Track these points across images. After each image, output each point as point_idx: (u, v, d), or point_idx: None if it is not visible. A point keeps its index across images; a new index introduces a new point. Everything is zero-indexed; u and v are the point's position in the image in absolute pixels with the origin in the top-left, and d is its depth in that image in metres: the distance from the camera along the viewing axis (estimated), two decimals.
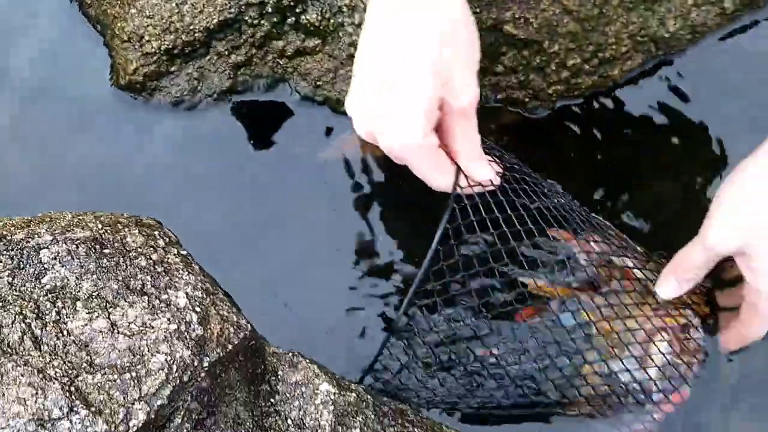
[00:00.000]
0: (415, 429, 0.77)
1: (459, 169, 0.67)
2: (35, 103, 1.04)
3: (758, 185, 0.67)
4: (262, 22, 0.95)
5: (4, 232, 0.81)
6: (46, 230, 0.81)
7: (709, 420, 0.84)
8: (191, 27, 0.95)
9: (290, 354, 0.79)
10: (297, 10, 0.94)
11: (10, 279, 0.76)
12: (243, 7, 0.94)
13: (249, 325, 0.76)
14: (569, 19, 0.91)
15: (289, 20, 0.95)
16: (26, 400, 0.64)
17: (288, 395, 0.76)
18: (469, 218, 0.67)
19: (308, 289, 0.94)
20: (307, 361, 0.78)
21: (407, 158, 0.65)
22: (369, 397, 0.77)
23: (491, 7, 0.90)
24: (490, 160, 0.69)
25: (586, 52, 0.93)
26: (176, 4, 0.94)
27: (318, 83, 0.98)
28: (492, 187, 0.69)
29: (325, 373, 0.77)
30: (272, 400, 0.76)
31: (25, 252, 0.78)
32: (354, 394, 0.76)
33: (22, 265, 0.77)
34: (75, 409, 0.64)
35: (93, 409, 0.64)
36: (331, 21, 0.94)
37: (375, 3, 0.65)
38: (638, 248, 0.84)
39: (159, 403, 0.66)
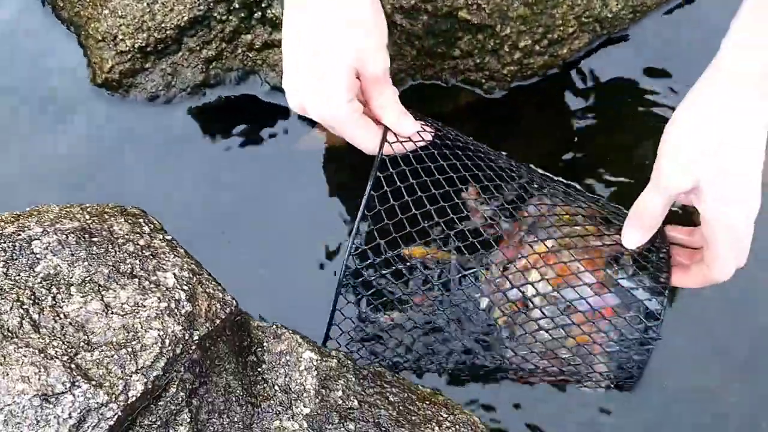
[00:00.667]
0: (393, 389, 0.83)
1: (386, 129, 0.75)
2: (12, 102, 1.08)
3: (697, 123, 0.71)
4: (230, 17, 1.00)
5: None
6: (36, 223, 0.85)
7: None
8: (162, 25, 1.00)
9: (274, 326, 0.85)
10: (263, 5, 0.99)
11: (5, 270, 0.80)
12: (211, 4, 0.99)
13: (234, 301, 0.81)
14: (519, 3, 0.97)
15: (256, 15, 1.00)
16: (29, 378, 0.69)
17: (274, 364, 0.82)
18: (399, 167, 0.74)
19: (287, 269, 0.99)
20: (290, 331, 0.84)
21: (338, 124, 0.73)
22: (349, 362, 0.83)
23: None
24: (422, 124, 0.77)
25: (536, 33, 1.00)
26: (147, 4, 0.99)
27: None
28: (421, 142, 0.76)
29: (307, 342, 0.83)
30: (259, 369, 0.82)
31: (17, 244, 0.83)
32: (335, 360, 0.82)
33: (15, 257, 0.81)
34: (77, 383, 0.69)
35: (94, 382, 0.70)
36: None
37: None
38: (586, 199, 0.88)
39: (155, 374, 0.72)
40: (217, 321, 0.79)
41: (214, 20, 1.00)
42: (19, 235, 0.85)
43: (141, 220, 0.88)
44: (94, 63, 1.04)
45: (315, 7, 0.72)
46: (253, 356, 0.83)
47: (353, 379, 0.82)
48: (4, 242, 0.83)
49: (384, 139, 0.75)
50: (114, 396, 0.69)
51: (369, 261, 0.77)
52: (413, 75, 1.04)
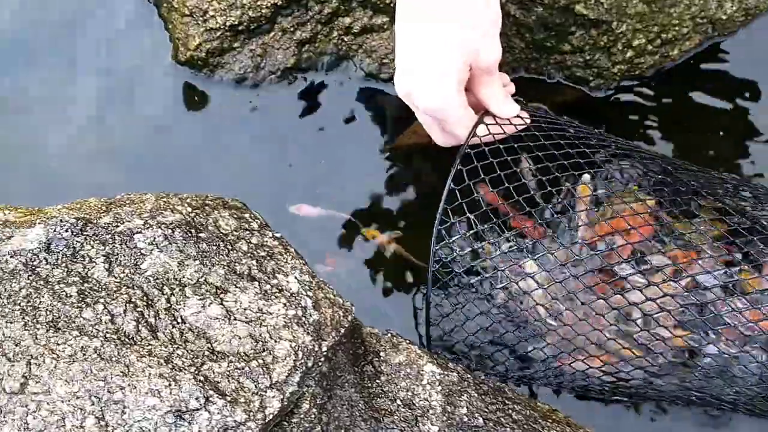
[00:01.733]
0: (516, 405, 0.79)
1: (477, 122, 0.78)
2: (83, 77, 1.01)
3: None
4: None
5: (88, 215, 0.79)
6: (134, 214, 0.79)
7: None
8: (258, 3, 0.93)
9: (389, 334, 0.80)
10: None
11: (107, 266, 0.74)
12: None
13: (353, 308, 0.76)
14: (638, 0, 0.92)
15: None
16: (160, 391, 0.64)
17: (393, 376, 0.77)
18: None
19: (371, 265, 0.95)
20: (407, 341, 0.79)
21: (443, 113, 0.76)
22: (469, 376, 0.79)
23: None
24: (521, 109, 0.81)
25: (651, 32, 0.95)
26: None
27: (384, 61, 0.97)
28: (521, 123, 0.80)
29: (427, 354, 0.78)
30: (378, 381, 0.77)
31: (117, 237, 0.76)
32: (455, 374, 0.78)
33: (116, 251, 0.75)
34: (211, 399, 0.64)
35: (228, 398, 0.64)
36: None
37: None
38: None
39: (291, 389, 0.66)
40: (342, 330, 0.73)
41: (313, 0, 0.93)
42: (117, 227, 0.78)
43: (246, 215, 0.82)
44: (178, 39, 0.97)
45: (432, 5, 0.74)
46: (369, 366, 0.78)
47: (475, 394, 0.78)
48: (102, 234, 0.77)
49: (473, 131, 0.77)
50: (251, 414, 0.64)
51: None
52: (517, 68, 0.99)
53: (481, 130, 0.78)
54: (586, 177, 0.88)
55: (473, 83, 0.79)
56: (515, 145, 0.79)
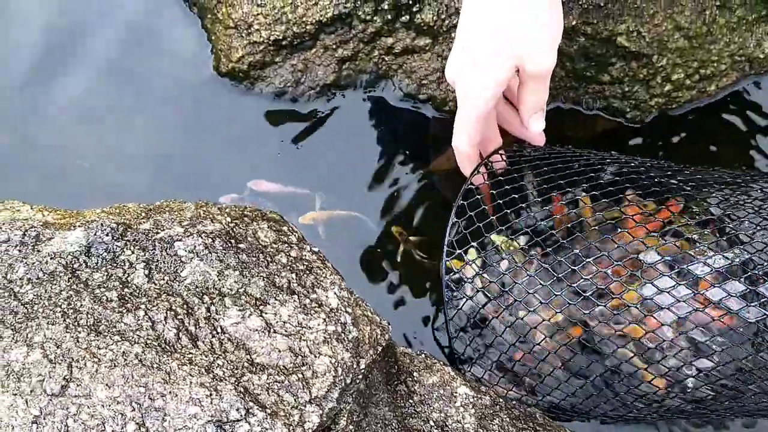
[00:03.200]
0: (544, 431, 0.79)
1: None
2: (121, 84, 1.01)
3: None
4: (375, 18, 0.94)
5: (127, 220, 0.79)
6: (174, 221, 0.79)
7: None
8: (303, 19, 0.94)
9: (423, 355, 0.80)
10: (414, 9, 0.93)
11: (146, 272, 0.74)
12: (358, 2, 0.93)
13: (390, 326, 0.76)
14: (680, 35, 0.93)
15: (403, 18, 0.94)
16: (201, 400, 0.63)
17: (426, 397, 0.77)
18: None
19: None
20: (441, 363, 0.79)
21: (474, 107, 0.78)
22: (501, 400, 0.79)
23: (608, 19, 0.92)
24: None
25: (690, 67, 0.96)
26: None
27: (423, 82, 0.98)
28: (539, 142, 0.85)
29: (460, 376, 0.78)
30: (411, 401, 0.77)
31: (157, 244, 0.76)
32: (488, 397, 0.78)
33: (156, 258, 0.75)
34: (251, 411, 0.63)
35: (268, 411, 0.64)
36: (446, 22, 0.94)
37: None
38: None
39: (330, 405, 0.66)
40: (379, 348, 0.73)
41: (357, 19, 0.94)
42: (157, 233, 0.78)
43: (285, 228, 0.82)
44: (220, 50, 0.97)
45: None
46: (402, 386, 0.78)
47: (507, 418, 0.78)
48: (142, 240, 0.77)
49: (484, 161, 0.83)
50: (291, 428, 0.64)
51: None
52: (555, 96, 0.99)
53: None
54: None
55: (519, 86, 0.80)
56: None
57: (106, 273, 0.73)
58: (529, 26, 0.74)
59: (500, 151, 0.85)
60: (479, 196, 0.80)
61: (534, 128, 0.83)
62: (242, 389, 0.65)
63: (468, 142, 0.81)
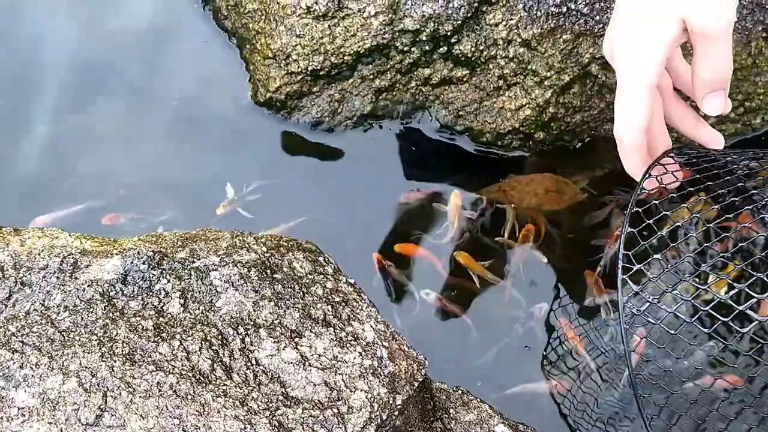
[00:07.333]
0: None
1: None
2: (158, 110, 1.02)
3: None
4: (413, 49, 0.94)
5: (164, 249, 0.79)
6: (210, 251, 0.79)
7: None
8: (342, 50, 0.94)
9: (459, 392, 0.78)
10: (452, 40, 0.93)
11: (182, 302, 0.74)
12: (397, 33, 0.93)
13: (426, 361, 0.75)
14: None
15: (441, 49, 0.94)
16: None
17: None
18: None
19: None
20: (478, 400, 0.77)
21: (646, 77, 0.65)
22: None
23: None
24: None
25: (735, 100, 0.94)
26: (329, 26, 0.93)
27: (460, 113, 0.97)
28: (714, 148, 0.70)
29: (498, 414, 0.76)
30: None
31: (192, 273, 0.76)
32: None
33: (192, 287, 0.75)
34: None
35: None
36: (484, 53, 0.93)
37: None
38: None
39: None
40: (416, 384, 0.72)
41: (395, 50, 0.94)
42: (193, 262, 0.78)
43: (320, 258, 0.81)
44: (258, 80, 0.98)
45: None
46: (438, 423, 0.76)
47: None
48: (178, 269, 0.76)
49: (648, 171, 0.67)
50: None
51: None
52: (595, 128, 0.98)
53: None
54: None
55: (693, 52, 0.66)
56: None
57: (142, 301, 0.73)
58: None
59: (671, 153, 0.71)
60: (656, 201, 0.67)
61: (709, 108, 0.68)
62: (276, 423, 0.64)
63: (633, 126, 0.67)
